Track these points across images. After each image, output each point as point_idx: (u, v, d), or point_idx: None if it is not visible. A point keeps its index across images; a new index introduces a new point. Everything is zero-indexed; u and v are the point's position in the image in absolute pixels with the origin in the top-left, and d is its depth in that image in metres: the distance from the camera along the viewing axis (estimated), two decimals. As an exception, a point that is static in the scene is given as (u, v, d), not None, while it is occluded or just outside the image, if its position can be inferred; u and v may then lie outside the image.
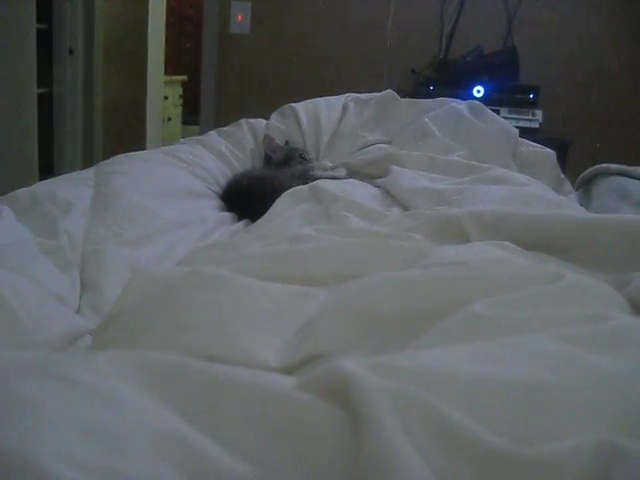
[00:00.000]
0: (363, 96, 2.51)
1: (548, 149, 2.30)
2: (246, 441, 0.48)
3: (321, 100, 2.45)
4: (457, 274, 0.81)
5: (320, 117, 2.34)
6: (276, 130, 2.28)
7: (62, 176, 1.84)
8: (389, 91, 2.50)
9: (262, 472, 0.46)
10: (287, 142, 2.23)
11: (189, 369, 0.55)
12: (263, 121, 2.40)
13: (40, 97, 3.93)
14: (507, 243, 1.01)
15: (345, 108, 2.42)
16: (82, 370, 0.53)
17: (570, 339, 0.58)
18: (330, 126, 2.32)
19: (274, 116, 2.39)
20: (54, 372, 0.53)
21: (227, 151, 2.21)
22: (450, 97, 2.46)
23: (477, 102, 2.41)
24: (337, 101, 2.47)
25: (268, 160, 2.15)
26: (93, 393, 0.50)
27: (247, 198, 1.82)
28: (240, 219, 1.78)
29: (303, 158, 2.11)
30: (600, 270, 0.91)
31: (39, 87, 3.90)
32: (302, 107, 2.38)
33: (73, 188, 1.60)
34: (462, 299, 0.71)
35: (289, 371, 0.66)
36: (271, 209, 1.62)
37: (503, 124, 2.30)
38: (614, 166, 2.02)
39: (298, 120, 2.32)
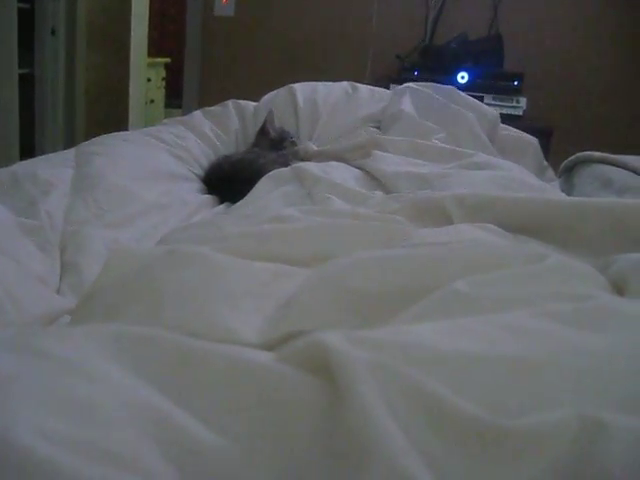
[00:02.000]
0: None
1: (531, 136, 2.30)
2: (222, 413, 0.47)
3: (320, 84, 2.45)
4: (439, 253, 0.81)
5: (317, 100, 2.33)
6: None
7: (42, 156, 1.82)
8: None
9: (239, 445, 0.45)
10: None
11: (165, 342, 0.54)
12: (251, 103, 2.38)
13: (21, 78, 3.89)
14: (490, 225, 1.01)
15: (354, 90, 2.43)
16: (57, 344, 0.52)
17: (553, 317, 0.58)
18: (327, 110, 2.31)
19: (271, 95, 2.38)
20: (28, 346, 0.52)
21: (211, 133, 2.20)
22: (434, 83, 2.46)
23: (450, 87, 2.41)
24: (336, 87, 2.46)
25: (261, 137, 2.13)
26: (68, 366, 0.49)
27: (228, 181, 1.81)
28: (222, 202, 1.77)
29: (293, 142, 2.11)
30: (583, 253, 0.91)
31: (20, 67, 3.86)
32: (299, 88, 2.37)
33: (53, 169, 1.58)
34: (444, 278, 0.71)
35: (269, 348, 0.66)
36: (253, 191, 1.61)
37: (478, 107, 2.30)
38: (597, 154, 2.02)
39: (295, 101, 2.31)
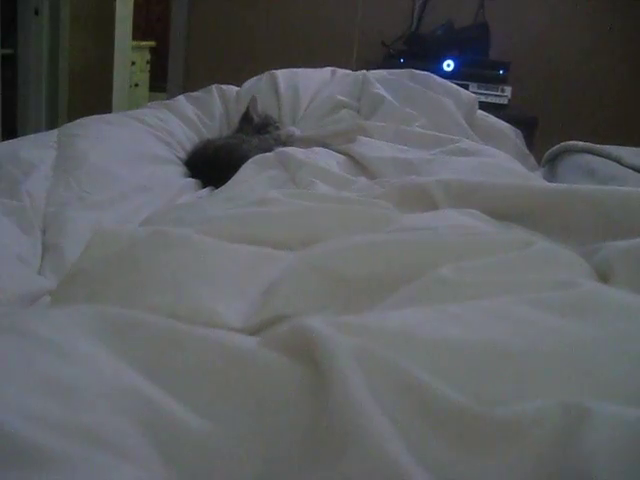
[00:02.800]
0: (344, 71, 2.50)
1: (509, 125, 2.31)
2: (205, 397, 0.47)
3: (301, 70, 2.43)
4: (424, 239, 0.81)
5: (299, 86, 2.32)
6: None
7: (24, 137, 1.80)
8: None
9: (223, 429, 0.45)
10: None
11: (147, 323, 0.53)
12: (234, 88, 2.37)
13: (4, 58, 3.86)
14: (475, 211, 1.00)
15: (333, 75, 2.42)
16: (37, 323, 0.52)
17: (537, 304, 0.58)
18: (308, 96, 2.30)
19: (252, 81, 2.37)
20: (11, 327, 0.51)
21: (195, 117, 2.18)
22: (418, 70, 2.45)
23: (426, 73, 2.39)
24: (317, 73, 2.44)
25: (244, 122, 2.12)
26: (52, 348, 0.49)
27: (211, 166, 1.80)
28: (205, 186, 1.76)
29: (276, 127, 2.09)
30: (568, 240, 0.91)
31: (3, 48, 3.83)
32: (281, 74, 2.36)
33: (36, 149, 1.57)
34: (429, 263, 0.70)
35: (253, 332, 0.65)
36: (236, 175, 1.60)
37: (455, 91, 2.29)
38: (580, 143, 2.02)
39: (276, 87, 2.30)
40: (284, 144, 1.95)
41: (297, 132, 2.08)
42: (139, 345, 0.51)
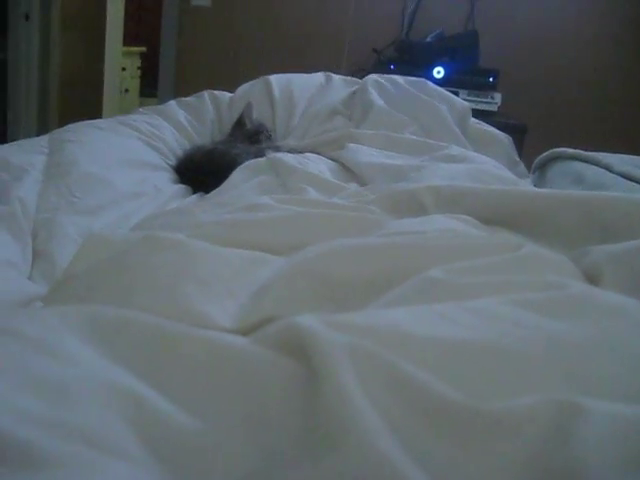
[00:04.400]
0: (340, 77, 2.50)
1: (501, 132, 2.32)
2: (196, 395, 0.47)
3: (294, 75, 2.44)
4: (414, 241, 0.81)
5: (293, 91, 2.32)
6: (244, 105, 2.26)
7: (15, 142, 1.80)
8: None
9: (215, 427, 0.45)
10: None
11: (136, 322, 0.53)
12: (227, 94, 2.37)
13: (-6, 63, 3.86)
14: (465, 216, 1.01)
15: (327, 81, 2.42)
16: (27, 323, 0.52)
17: (526, 305, 0.58)
18: (303, 101, 2.30)
19: (245, 87, 2.37)
20: (0, 327, 0.51)
21: (186, 122, 2.18)
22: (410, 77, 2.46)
23: (420, 79, 2.41)
24: (311, 78, 2.45)
25: (237, 128, 2.12)
26: (41, 347, 0.49)
27: (201, 172, 1.79)
28: (195, 192, 1.76)
29: (269, 136, 2.09)
30: (557, 245, 0.91)
31: (-7, 53, 3.82)
32: (275, 80, 2.36)
33: (26, 155, 1.57)
34: (419, 266, 0.71)
35: (243, 334, 0.65)
36: (228, 180, 1.60)
37: (449, 98, 2.31)
38: (570, 150, 2.03)
39: (270, 92, 2.30)
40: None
41: (290, 144, 2.07)
42: (129, 344, 0.51)
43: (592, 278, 0.79)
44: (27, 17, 4.09)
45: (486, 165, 1.66)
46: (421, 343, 0.51)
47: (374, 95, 2.21)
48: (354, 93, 2.32)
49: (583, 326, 0.55)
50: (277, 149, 1.92)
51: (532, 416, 0.44)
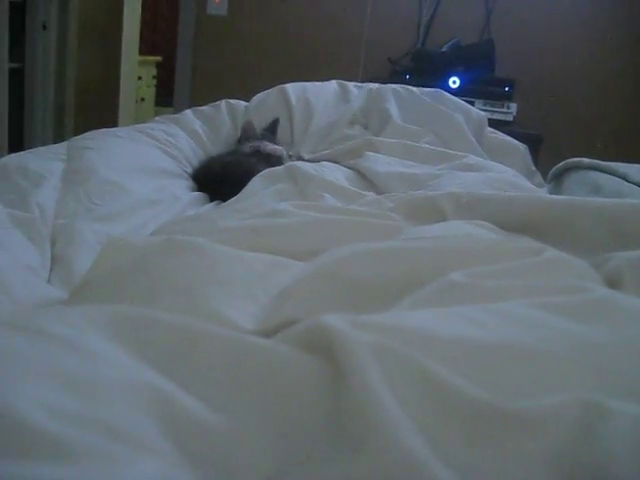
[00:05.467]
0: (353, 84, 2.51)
1: (518, 142, 2.32)
2: (222, 393, 0.47)
3: (309, 84, 2.44)
4: (435, 245, 0.81)
5: (310, 98, 2.33)
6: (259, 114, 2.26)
7: (33, 150, 1.81)
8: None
9: (240, 424, 0.45)
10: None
11: (162, 321, 0.54)
12: (243, 103, 2.38)
13: (12, 72, 3.87)
14: (485, 222, 1.00)
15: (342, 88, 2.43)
16: (55, 323, 0.52)
17: (550, 307, 0.58)
18: (320, 107, 2.30)
19: (261, 96, 2.38)
20: (26, 325, 0.52)
21: (201, 131, 2.19)
22: (426, 87, 2.46)
23: (436, 89, 2.41)
24: (325, 86, 2.45)
25: (240, 141, 2.12)
26: (67, 345, 0.49)
27: (220, 181, 1.80)
28: (212, 200, 1.77)
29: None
30: (577, 251, 0.91)
31: (11, 61, 3.84)
32: (291, 88, 2.37)
33: (45, 162, 1.58)
34: (441, 269, 0.71)
35: (265, 336, 0.65)
36: (246, 188, 1.60)
37: (465, 108, 2.31)
38: (586, 160, 2.02)
39: (287, 99, 2.31)
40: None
41: (304, 157, 2.07)
42: (153, 342, 0.51)
43: (612, 284, 0.79)
44: (44, 26, 4.12)
45: (504, 174, 1.66)
46: (447, 343, 0.51)
47: (392, 105, 2.22)
48: (369, 98, 2.32)
49: (607, 328, 0.55)
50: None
51: (558, 416, 0.44)
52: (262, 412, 0.46)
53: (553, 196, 1.32)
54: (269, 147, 1.98)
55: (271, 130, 2.15)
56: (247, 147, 1.99)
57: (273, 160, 1.92)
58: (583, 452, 0.41)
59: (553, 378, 0.49)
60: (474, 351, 0.50)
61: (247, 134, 2.11)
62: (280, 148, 2.00)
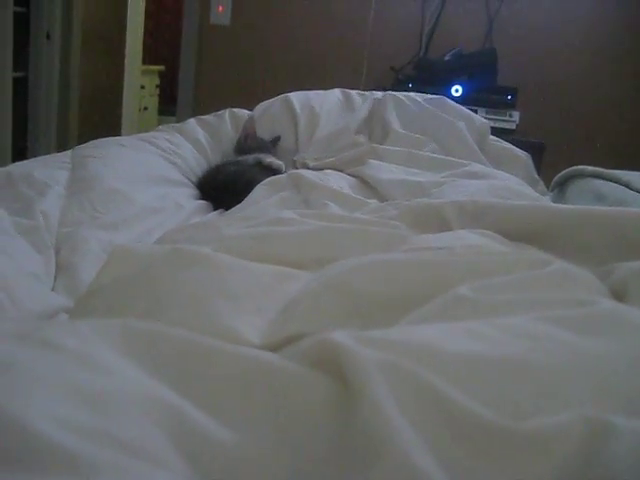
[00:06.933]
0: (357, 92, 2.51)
1: (520, 150, 2.32)
2: (233, 409, 0.47)
3: (312, 92, 2.45)
4: (441, 258, 0.81)
5: (314, 106, 2.33)
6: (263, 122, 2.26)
7: (38, 158, 1.82)
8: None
9: (251, 440, 0.45)
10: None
11: (169, 337, 0.54)
12: (247, 112, 2.38)
13: (16, 81, 3.89)
14: (489, 232, 1.00)
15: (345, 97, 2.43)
16: (64, 336, 0.52)
17: (556, 321, 0.58)
18: (324, 114, 2.31)
19: (265, 104, 2.38)
20: (36, 337, 0.52)
21: (204, 140, 2.20)
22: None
23: (439, 96, 2.42)
24: (328, 94, 2.46)
25: (238, 145, 2.13)
26: (76, 358, 0.49)
27: (223, 189, 1.80)
28: (216, 209, 1.77)
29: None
30: (582, 261, 0.91)
31: (15, 71, 3.86)
32: (294, 96, 2.37)
33: (49, 170, 1.59)
34: (447, 282, 0.70)
35: (272, 350, 0.65)
36: (249, 196, 1.61)
37: (468, 116, 2.31)
38: (589, 168, 2.02)
39: (291, 107, 2.31)
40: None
41: (309, 162, 2.08)
42: (162, 357, 0.51)
43: (618, 294, 0.78)
44: (48, 36, 4.13)
45: (508, 182, 1.66)
46: (453, 360, 0.51)
47: (392, 116, 2.22)
48: (372, 107, 2.32)
49: (613, 343, 0.55)
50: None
51: (563, 434, 0.44)
52: (270, 430, 0.46)
53: (557, 205, 1.32)
54: (268, 159, 1.98)
55: (272, 144, 2.15)
56: (251, 158, 1.99)
57: (275, 172, 1.92)
58: (589, 470, 0.41)
59: (557, 394, 0.49)
60: (480, 367, 0.50)
61: (247, 132, 2.12)
62: (280, 162, 2.00)
